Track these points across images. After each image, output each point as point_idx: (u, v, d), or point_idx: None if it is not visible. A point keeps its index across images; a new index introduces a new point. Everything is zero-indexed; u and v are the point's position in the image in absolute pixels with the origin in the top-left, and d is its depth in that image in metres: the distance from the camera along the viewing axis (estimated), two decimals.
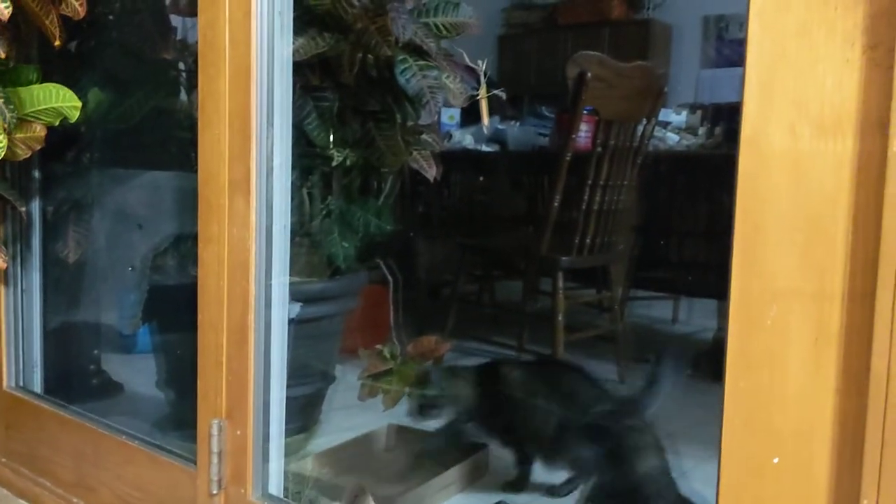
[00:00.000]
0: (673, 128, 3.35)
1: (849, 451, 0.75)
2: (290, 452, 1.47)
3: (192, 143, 1.38)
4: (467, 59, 1.57)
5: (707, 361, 2.69)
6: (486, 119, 1.60)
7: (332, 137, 1.69)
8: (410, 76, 1.57)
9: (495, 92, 1.64)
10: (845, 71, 0.73)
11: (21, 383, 1.85)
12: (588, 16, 5.56)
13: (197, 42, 1.34)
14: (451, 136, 3.36)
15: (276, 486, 1.36)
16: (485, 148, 3.36)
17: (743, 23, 0.81)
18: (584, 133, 2.65)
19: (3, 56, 1.41)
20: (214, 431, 1.32)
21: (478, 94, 1.56)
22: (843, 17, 0.73)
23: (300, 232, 1.77)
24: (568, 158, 2.43)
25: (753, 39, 0.80)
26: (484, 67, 1.57)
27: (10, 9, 1.30)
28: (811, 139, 0.76)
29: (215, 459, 1.33)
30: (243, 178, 1.28)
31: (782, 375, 0.78)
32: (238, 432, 1.31)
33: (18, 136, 1.46)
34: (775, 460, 0.79)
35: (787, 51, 0.77)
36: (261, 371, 1.31)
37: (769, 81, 0.78)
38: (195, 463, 1.38)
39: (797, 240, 0.77)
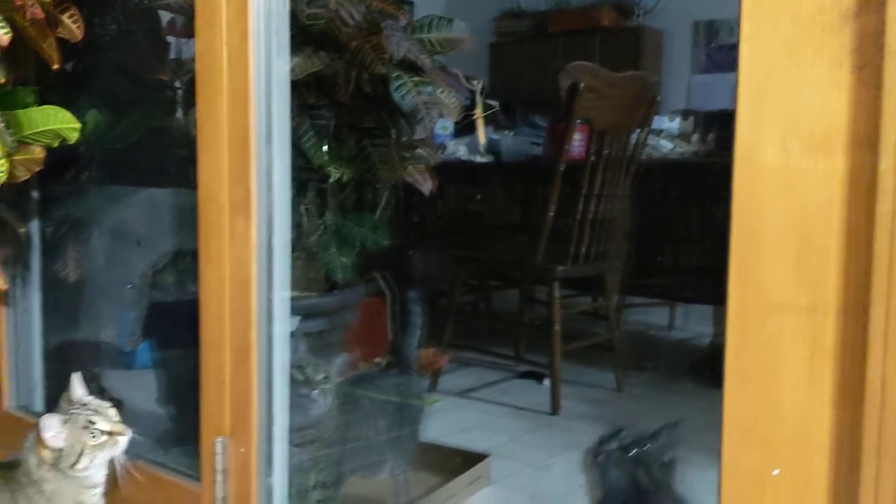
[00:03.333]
0: (666, 135, 3.36)
1: (846, 462, 0.76)
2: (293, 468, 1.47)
3: (190, 161, 1.38)
4: (463, 80, 1.58)
5: (704, 367, 2.71)
6: (482, 138, 1.60)
7: (327, 154, 1.71)
8: (405, 93, 1.59)
9: (490, 106, 1.65)
10: (833, 90, 0.75)
11: (22, 403, 1.85)
12: (579, 23, 5.58)
13: (193, 59, 1.35)
14: (444, 148, 3.37)
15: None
16: (479, 159, 3.37)
17: (733, 27, 0.83)
18: (577, 143, 2.67)
19: (2, 81, 1.41)
20: (218, 450, 1.33)
21: (473, 113, 1.57)
22: (830, 38, 0.75)
23: (297, 247, 1.78)
24: (562, 168, 2.44)
25: (744, 58, 0.81)
26: (480, 86, 1.57)
27: (10, 34, 1.31)
28: (802, 156, 0.77)
29: (219, 478, 1.34)
30: (243, 199, 1.29)
31: (779, 388, 0.79)
32: (241, 450, 1.32)
33: (18, 158, 1.46)
34: (775, 472, 0.80)
35: (777, 69, 0.79)
36: (263, 388, 1.32)
37: (760, 99, 0.80)
38: (199, 480, 1.39)
39: (791, 255, 0.78)
